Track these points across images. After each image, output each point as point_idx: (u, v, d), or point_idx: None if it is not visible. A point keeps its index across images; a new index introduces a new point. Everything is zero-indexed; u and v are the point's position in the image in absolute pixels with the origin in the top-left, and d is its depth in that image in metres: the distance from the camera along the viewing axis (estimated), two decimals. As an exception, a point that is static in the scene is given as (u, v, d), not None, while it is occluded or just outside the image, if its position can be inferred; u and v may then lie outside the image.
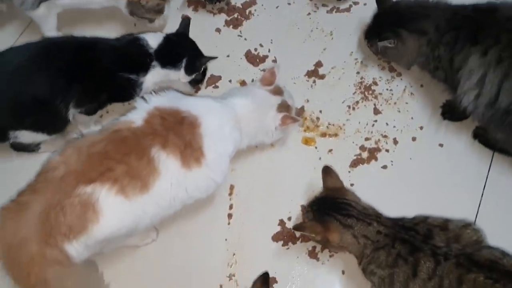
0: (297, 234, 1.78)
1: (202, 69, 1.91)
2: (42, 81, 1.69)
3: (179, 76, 1.87)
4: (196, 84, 1.98)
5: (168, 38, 1.88)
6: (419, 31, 1.88)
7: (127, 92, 1.83)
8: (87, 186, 1.40)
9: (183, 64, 1.85)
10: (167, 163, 1.50)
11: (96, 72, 1.76)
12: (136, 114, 1.59)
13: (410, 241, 1.47)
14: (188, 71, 1.87)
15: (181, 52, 1.87)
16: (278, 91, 1.84)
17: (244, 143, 1.79)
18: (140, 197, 1.46)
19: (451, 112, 1.97)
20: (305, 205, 1.76)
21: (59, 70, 1.71)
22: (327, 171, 1.69)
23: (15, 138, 1.77)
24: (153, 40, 1.84)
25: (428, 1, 1.93)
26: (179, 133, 1.55)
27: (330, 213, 1.57)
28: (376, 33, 1.99)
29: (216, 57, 1.95)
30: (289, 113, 1.82)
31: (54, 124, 1.80)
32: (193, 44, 1.93)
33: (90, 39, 1.84)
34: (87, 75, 1.74)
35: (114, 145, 1.48)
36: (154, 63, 1.82)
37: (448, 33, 1.82)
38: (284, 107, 1.82)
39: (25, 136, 1.77)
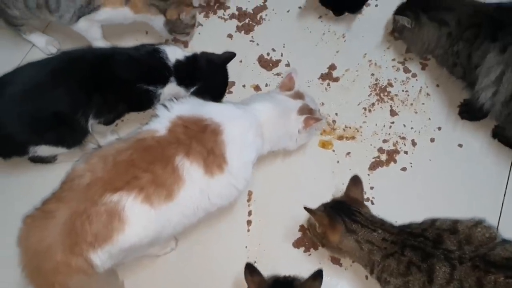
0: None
1: None
2: (62, 96, 1.68)
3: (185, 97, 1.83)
4: None
5: (195, 57, 1.85)
6: (441, 21, 1.88)
7: (145, 103, 1.82)
8: (113, 194, 1.39)
9: (192, 89, 1.84)
10: (191, 171, 1.49)
11: (115, 83, 1.74)
12: (159, 123, 1.58)
13: (421, 248, 1.45)
14: None
15: (197, 77, 1.84)
16: (298, 96, 1.83)
17: (266, 149, 1.77)
18: (165, 205, 1.45)
19: (469, 111, 1.95)
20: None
21: (79, 83, 1.69)
22: (356, 181, 1.67)
23: (35, 153, 1.76)
24: (172, 54, 1.81)
25: None
26: (201, 140, 1.54)
27: (340, 214, 1.58)
28: (402, 10, 1.99)
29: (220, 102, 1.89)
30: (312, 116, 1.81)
31: (74, 136, 1.79)
32: (217, 77, 1.91)
33: (108, 50, 1.83)
34: (106, 86, 1.72)
35: (139, 153, 1.47)
36: (172, 78, 1.80)
37: (469, 30, 1.82)
38: (306, 110, 1.80)
39: (45, 150, 1.76)
